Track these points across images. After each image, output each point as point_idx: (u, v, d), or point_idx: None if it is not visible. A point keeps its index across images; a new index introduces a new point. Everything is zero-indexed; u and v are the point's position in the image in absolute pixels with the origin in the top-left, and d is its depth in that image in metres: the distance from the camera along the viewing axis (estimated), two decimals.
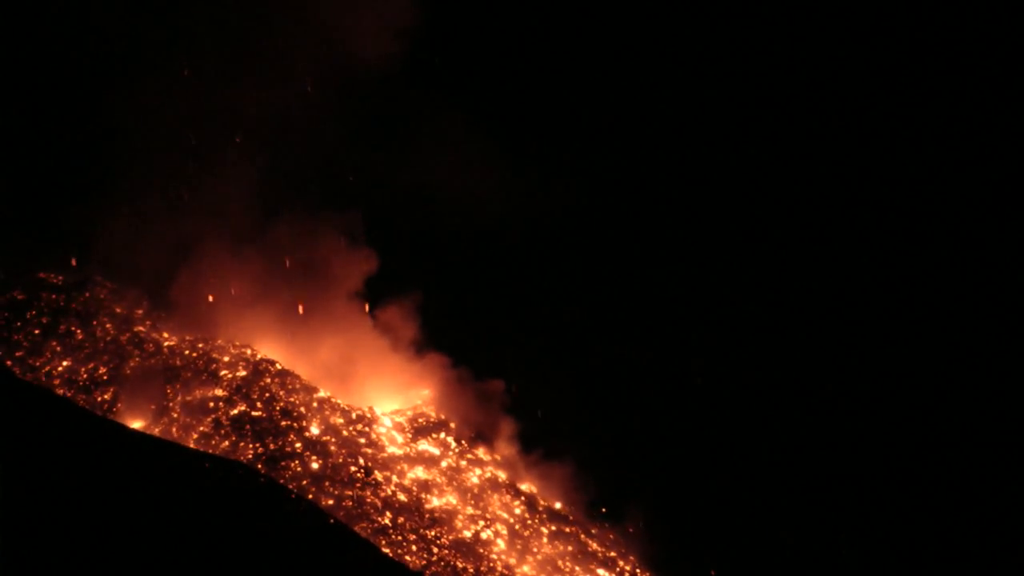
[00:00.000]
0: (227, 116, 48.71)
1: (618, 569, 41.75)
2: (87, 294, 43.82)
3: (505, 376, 47.51)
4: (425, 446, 42.64)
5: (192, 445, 37.69)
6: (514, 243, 55.64)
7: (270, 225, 46.83)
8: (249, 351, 42.85)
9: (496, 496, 42.08)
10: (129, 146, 47.03)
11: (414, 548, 37.52)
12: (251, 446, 39.04)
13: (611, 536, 43.60)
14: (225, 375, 41.15)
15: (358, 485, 38.48)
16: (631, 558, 42.64)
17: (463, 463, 42.95)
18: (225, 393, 40.37)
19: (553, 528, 41.90)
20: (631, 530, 44.09)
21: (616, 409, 52.99)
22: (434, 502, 39.94)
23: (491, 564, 38.60)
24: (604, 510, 44.77)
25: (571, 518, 43.11)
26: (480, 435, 45.04)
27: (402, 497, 39.24)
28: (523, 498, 42.51)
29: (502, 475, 43.66)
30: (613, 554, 42.54)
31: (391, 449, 41.59)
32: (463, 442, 44.03)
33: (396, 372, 46.09)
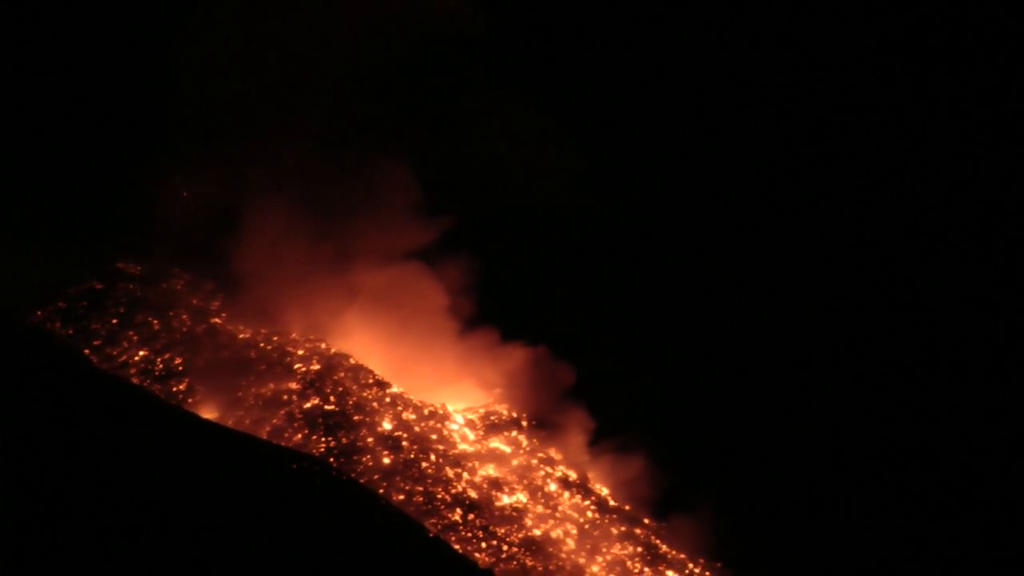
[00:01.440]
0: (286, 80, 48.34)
1: (687, 571, 41.44)
2: (164, 285, 44.21)
3: (580, 370, 47.26)
4: (496, 444, 42.56)
5: (265, 438, 37.87)
6: (593, 231, 55.23)
7: (345, 216, 46.63)
8: (323, 344, 42.99)
9: (567, 495, 41.91)
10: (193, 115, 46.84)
11: (483, 545, 37.46)
12: (323, 440, 39.17)
13: (680, 537, 43.26)
14: (299, 368, 41.34)
15: (429, 481, 38.49)
16: (700, 560, 42.29)
17: (534, 461, 42.82)
18: (298, 386, 40.56)
19: (623, 529, 41.67)
20: (700, 530, 43.74)
21: (689, 403, 52.61)
22: (504, 500, 39.84)
23: (560, 563, 38.44)
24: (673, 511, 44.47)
25: (643, 520, 42.85)
26: (552, 433, 44.89)
27: (472, 494, 39.18)
28: (593, 498, 42.30)
29: (572, 474, 43.49)
30: (683, 556, 42.24)
31: (462, 446, 41.55)
32: (535, 440, 43.90)
33: (470, 367, 46.02)
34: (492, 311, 47.90)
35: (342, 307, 44.73)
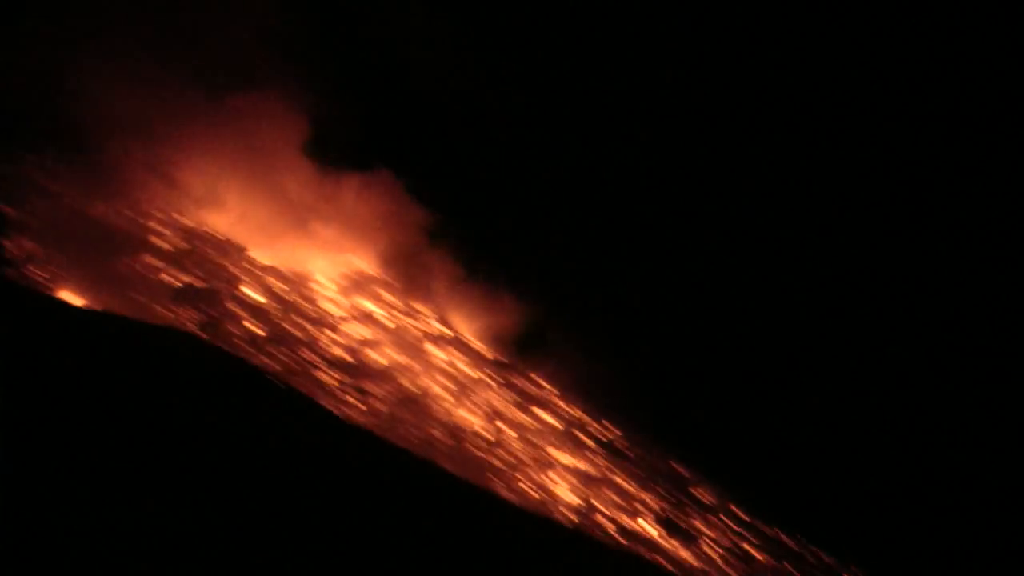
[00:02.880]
0: None
1: (560, 412, 42.53)
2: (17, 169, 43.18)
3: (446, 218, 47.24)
4: (365, 302, 42.87)
5: (131, 316, 37.64)
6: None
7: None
8: (182, 215, 42.53)
9: (440, 351, 42.51)
10: None
11: (361, 407, 37.93)
12: (192, 315, 39.06)
13: (554, 376, 44.17)
14: (158, 242, 40.93)
15: (299, 346, 38.72)
16: (576, 405, 43.34)
17: (406, 320, 43.26)
18: (160, 262, 40.21)
19: (501, 380, 42.50)
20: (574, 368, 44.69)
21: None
22: (375, 357, 40.29)
23: (436, 415, 39.13)
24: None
25: (517, 366, 43.68)
26: (422, 287, 45.22)
27: (343, 355, 39.53)
28: (464, 349, 43.01)
29: (447, 331, 44.05)
30: (561, 402, 43.24)
31: (330, 308, 41.80)
32: (407, 300, 44.27)
33: (338, 226, 45.76)
34: (361, 161, 47.31)
35: (200, 169, 43.72)
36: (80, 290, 36.34)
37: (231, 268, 41.23)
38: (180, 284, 39.17)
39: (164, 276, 39.42)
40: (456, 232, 47.87)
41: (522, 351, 45.43)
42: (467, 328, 45.26)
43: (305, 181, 45.53)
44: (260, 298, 40.27)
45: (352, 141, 47.06)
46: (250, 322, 38.77)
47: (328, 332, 40.30)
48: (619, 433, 43.78)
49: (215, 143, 43.69)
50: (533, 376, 44.17)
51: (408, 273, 46.05)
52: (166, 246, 40.74)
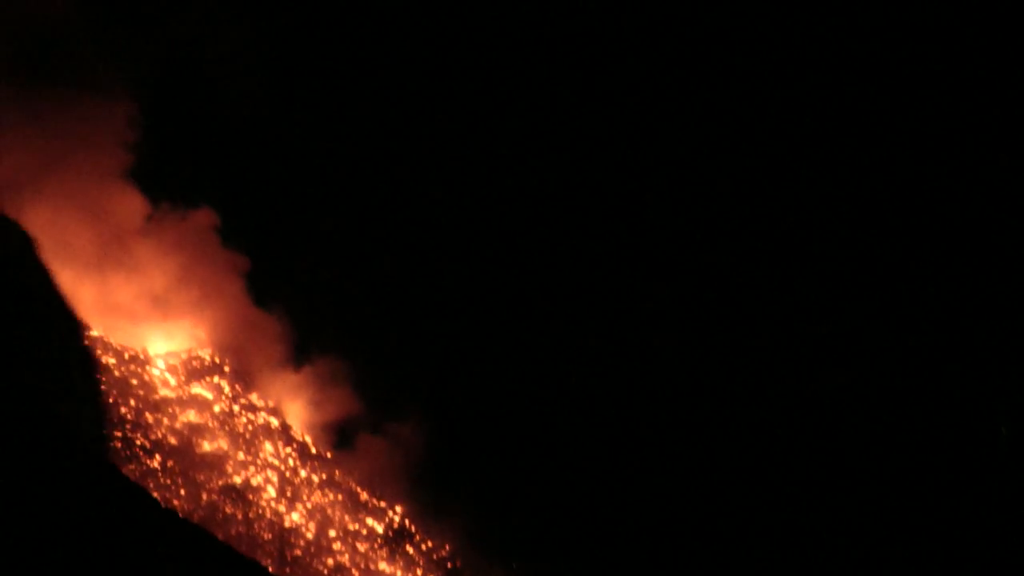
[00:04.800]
0: None
1: (387, 519, 42.22)
2: None
3: (290, 316, 46.74)
4: (198, 389, 42.10)
5: None
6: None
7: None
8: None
9: (268, 443, 41.93)
10: None
11: (183, 492, 37.16)
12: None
13: (381, 482, 43.84)
14: None
15: (128, 427, 37.84)
16: (398, 508, 43.06)
17: (236, 408, 42.60)
18: None
19: (324, 476, 42.02)
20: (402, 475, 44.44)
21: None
22: (205, 447, 39.56)
23: (260, 511, 38.53)
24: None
25: (344, 467, 43.28)
26: (254, 379, 44.63)
27: (172, 440, 38.74)
28: (295, 445, 42.46)
29: (275, 421, 43.48)
30: (383, 504, 42.93)
31: (163, 391, 40.95)
32: (237, 387, 43.62)
33: (173, 307, 44.88)
34: (206, 258, 46.53)
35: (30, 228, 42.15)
36: None
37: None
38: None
39: None
40: (286, 300, 47.31)
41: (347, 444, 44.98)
42: (303, 427, 44.60)
43: (130, 217, 44.25)
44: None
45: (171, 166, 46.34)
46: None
47: (160, 417, 39.53)
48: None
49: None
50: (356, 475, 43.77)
51: (239, 353, 45.17)
52: None
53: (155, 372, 41.50)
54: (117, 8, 47.80)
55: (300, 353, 46.83)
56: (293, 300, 48.76)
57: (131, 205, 44.94)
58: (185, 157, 49.59)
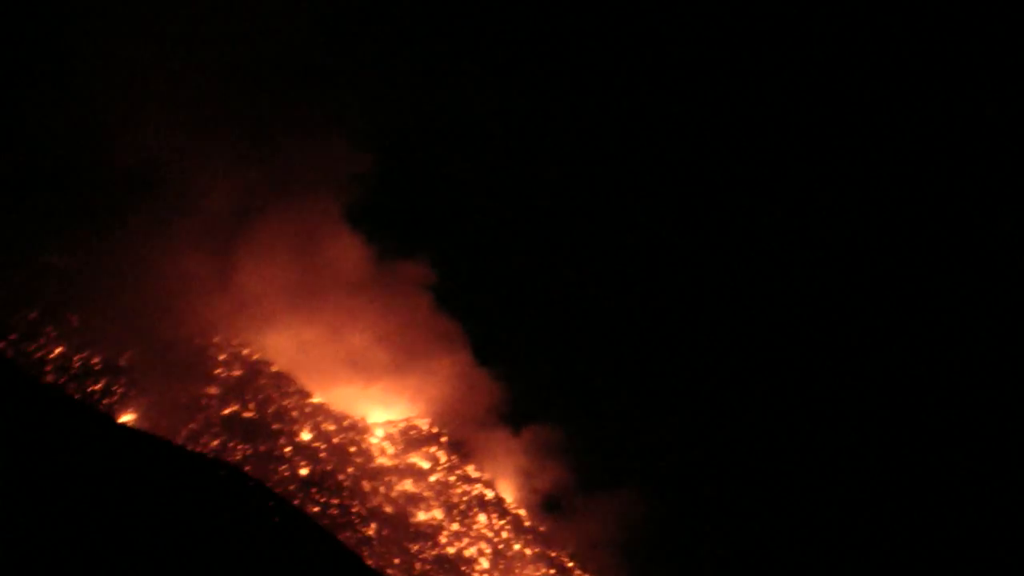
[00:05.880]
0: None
1: None
2: (86, 281, 43.42)
3: (511, 390, 46.87)
4: (415, 459, 42.32)
5: (180, 442, 37.37)
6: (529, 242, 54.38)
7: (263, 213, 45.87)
8: (246, 350, 42.48)
9: (483, 514, 41.77)
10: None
11: (396, 561, 37.23)
12: (240, 447, 38.75)
13: (594, 560, 43.26)
14: (219, 373, 40.85)
15: (345, 494, 38.21)
16: None
17: (451, 478, 42.63)
18: (218, 391, 40.07)
19: (537, 550, 41.62)
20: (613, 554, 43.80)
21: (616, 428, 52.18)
22: (420, 516, 39.63)
23: None
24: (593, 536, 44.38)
25: (558, 543, 42.81)
26: (471, 451, 44.69)
27: (388, 509, 38.94)
28: (509, 518, 42.19)
29: (489, 493, 43.34)
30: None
31: (380, 460, 41.29)
32: (454, 457, 43.70)
33: (394, 380, 45.53)
34: (422, 320, 47.21)
35: (267, 310, 44.03)
36: (142, 412, 36.30)
37: (284, 402, 41.01)
38: (235, 416, 39.02)
39: (219, 405, 39.27)
40: (504, 367, 47.55)
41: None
42: (518, 500, 44.35)
43: (352, 270, 45.51)
44: (313, 441, 39.96)
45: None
46: (300, 463, 38.45)
47: (376, 485, 39.80)
48: None
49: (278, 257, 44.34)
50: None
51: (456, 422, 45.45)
52: (225, 374, 40.68)
53: (373, 441, 41.90)
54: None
55: (517, 422, 46.81)
56: (511, 367, 48.96)
57: (352, 255, 46.23)
58: (406, 212, 50.76)
